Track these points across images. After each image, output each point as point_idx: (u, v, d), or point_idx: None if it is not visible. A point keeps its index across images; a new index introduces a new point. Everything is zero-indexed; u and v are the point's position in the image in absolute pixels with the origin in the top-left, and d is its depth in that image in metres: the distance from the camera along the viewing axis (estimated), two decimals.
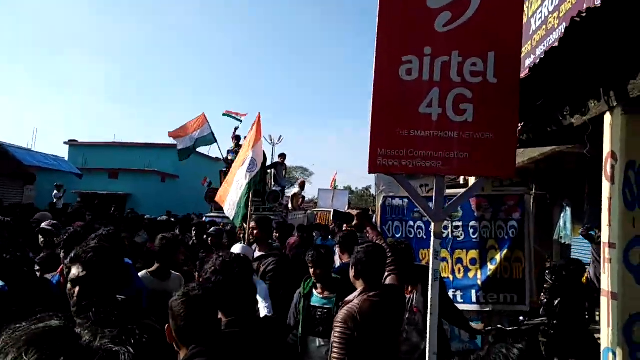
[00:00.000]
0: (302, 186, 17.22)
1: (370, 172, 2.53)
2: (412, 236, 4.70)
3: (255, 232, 4.62)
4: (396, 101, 2.49)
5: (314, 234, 11.29)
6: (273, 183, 12.87)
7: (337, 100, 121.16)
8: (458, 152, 2.41)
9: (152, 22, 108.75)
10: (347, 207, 18.40)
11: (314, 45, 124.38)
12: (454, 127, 2.42)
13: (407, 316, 3.58)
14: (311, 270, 3.46)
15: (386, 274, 3.08)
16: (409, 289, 3.71)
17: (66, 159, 24.49)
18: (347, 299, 2.74)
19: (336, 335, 2.55)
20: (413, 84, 2.47)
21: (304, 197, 18.79)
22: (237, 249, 4.11)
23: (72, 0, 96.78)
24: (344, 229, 6.62)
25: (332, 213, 11.08)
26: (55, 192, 15.76)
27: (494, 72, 2.44)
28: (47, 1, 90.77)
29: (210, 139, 11.64)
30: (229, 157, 12.01)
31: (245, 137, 6.14)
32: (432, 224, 2.40)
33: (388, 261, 3.11)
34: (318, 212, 18.79)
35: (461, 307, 4.23)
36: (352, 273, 2.82)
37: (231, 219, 5.86)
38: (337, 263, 4.82)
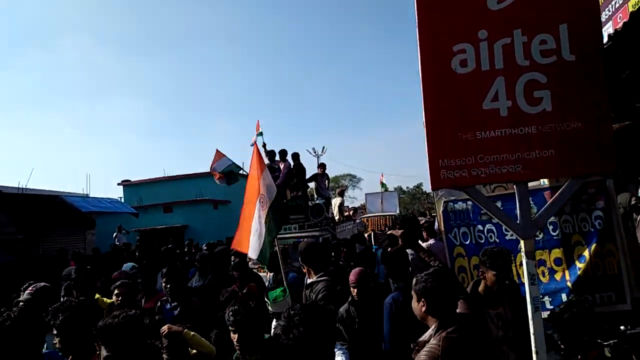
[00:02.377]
0: (341, 194, 15.52)
1: (433, 189, 2.14)
2: (482, 241, 4.21)
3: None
4: (453, 100, 2.09)
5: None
6: (316, 196, 12.24)
7: (375, 103, 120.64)
8: (541, 151, 1.97)
9: (176, 55, 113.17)
10: (397, 209, 17.57)
11: (341, 48, 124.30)
12: (530, 120, 2.00)
13: (500, 334, 3.17)
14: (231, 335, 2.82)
15: None
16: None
17: (122, 199, 25.43)
18: (420, 339, 2.32)
19: None
20: (471, 77, 2.08)
21: (355, 209, 18.05)
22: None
23: (100, 48, 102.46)
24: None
25: (372, 235, 10.30)
26: (115, 233, 16.30)
27: (570, 48, 2.01)
28: (80, 50, 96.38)
29: (236, 168, 11.40)
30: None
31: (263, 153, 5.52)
32: (522, 242, 1.96)
33: None
34: (369, 218, 17.76)
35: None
36: (419, 307, 2.39)
37: (255, 259, 5.32)
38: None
